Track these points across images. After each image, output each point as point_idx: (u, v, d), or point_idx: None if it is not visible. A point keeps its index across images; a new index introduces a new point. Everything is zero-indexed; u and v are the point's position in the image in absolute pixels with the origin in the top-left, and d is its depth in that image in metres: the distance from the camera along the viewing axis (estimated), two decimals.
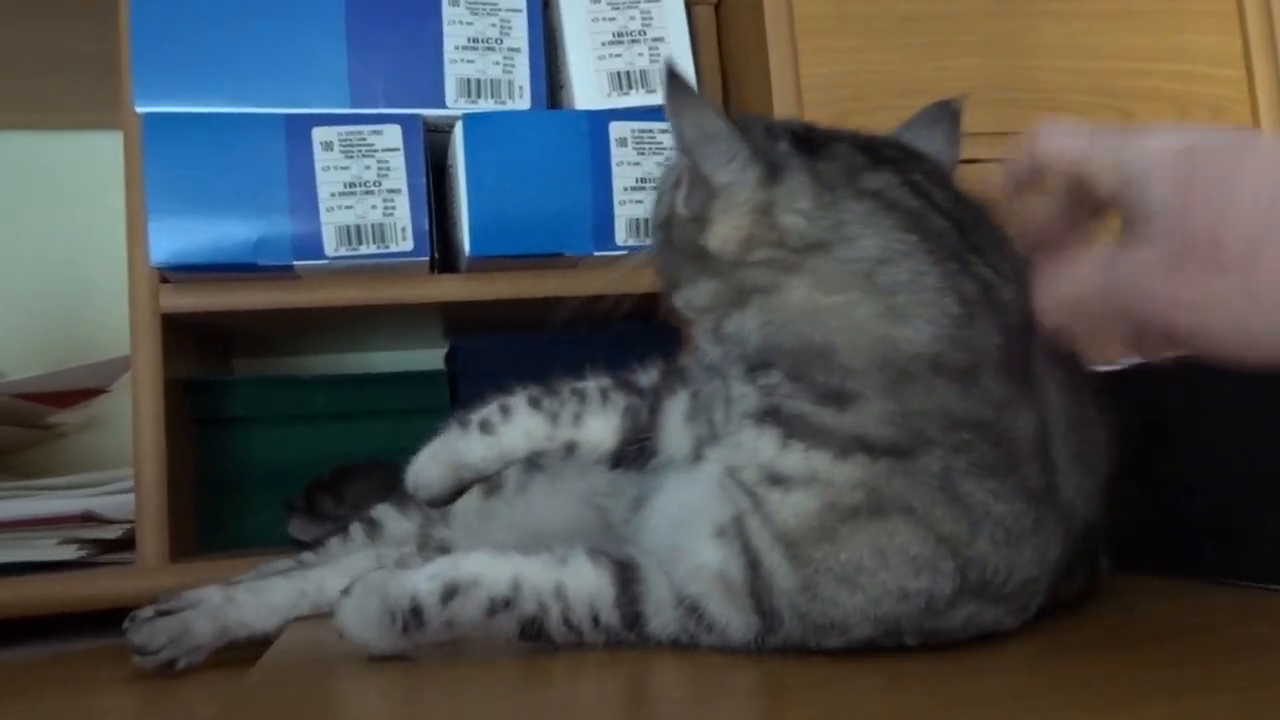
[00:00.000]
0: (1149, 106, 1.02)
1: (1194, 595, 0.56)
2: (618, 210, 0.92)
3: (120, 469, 1.01)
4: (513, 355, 1.09)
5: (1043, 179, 0.47)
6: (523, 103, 0.93)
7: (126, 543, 0.91)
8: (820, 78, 0.96)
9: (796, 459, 0.44)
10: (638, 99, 0.94)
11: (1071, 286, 0.43)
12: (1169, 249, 0.38)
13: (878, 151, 0.49)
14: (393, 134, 0.88)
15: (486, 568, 0.49)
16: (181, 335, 0.95)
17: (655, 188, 0.55)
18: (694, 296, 0.49)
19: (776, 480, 0.45)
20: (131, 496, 0.89)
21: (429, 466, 0.57)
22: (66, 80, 1.16)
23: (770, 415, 0.46)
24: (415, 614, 0.48)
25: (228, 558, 0.89)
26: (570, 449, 0.56)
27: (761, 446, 0.46)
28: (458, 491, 0.57)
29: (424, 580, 0.48)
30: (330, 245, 0.87)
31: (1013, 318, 0.44)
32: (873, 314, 0.43)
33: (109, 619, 0.89)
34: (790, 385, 0.45)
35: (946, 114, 0.58)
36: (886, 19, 0.97)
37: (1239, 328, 0.36)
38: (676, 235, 0.49)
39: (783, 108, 0.94)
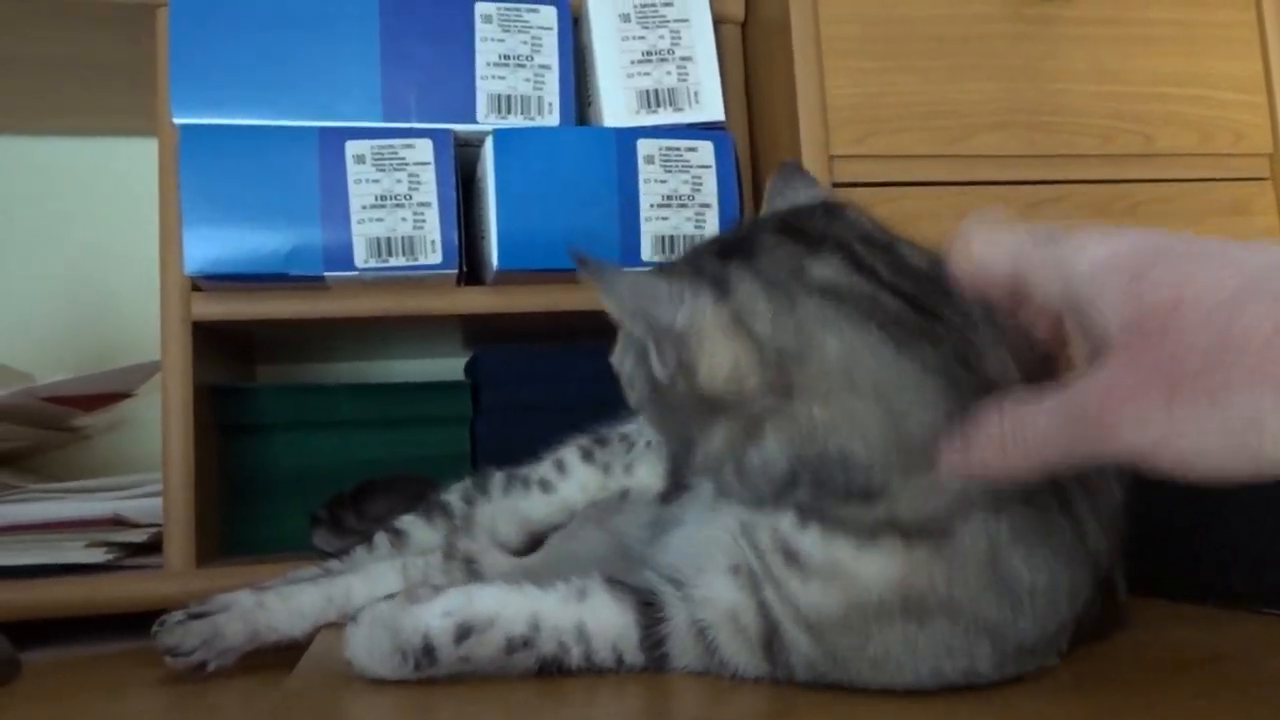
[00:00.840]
0: (1170, 131, 1.03)
1: (1225, 623, 0.57)
2: (644, 226, 0.93)
3: (145, 473, 1.02)
4: (533, 367, 1.10)
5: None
6: (552, 119, 0.94)
7: (153, 546, 0.92)
8: (846, 98, 0.97)
9: (812, 541, 0.43)
10: (665, 117, 0.95)
11: (1030, 434, 0.37)
12: (1129, 376, 0.34)
13: (805, 229, 0.47)
14: (424, 148, 0.90)
15: (503, 605, 0.48)
16: (208, 341, 0.96)
17: (623, 380, 0.53)
18: (709, 447, 0.46)
19: (791, 557, 0.44)
20: (158, 500, 0.91)
21: (504, 528, 0.61)
22: (102, 87, 1.17)
23: (794, 506, 0.45)
24: (427, 652, 0.47)
25: (253, 563, 0.90)
26: (624, 495, 0.59)
27: (781, 521, 0.45)
28: (535, 543, 0.60)
29: (437, 618, 0.48)
30: (360, 257, 0.88)
31: (993, 368, 0.42)
32: (874, 418, 0.42)
33: (135, 621, 0.90)
34: (814, 494, 0.44)
35: (794, 171, 0.56)
36: (913, 41, 0.98)
37: (1205, 450, 0.32)
38: (672, 399, 0.47)
39: (808, 127, 0.95)
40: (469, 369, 1.19)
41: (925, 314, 0.43)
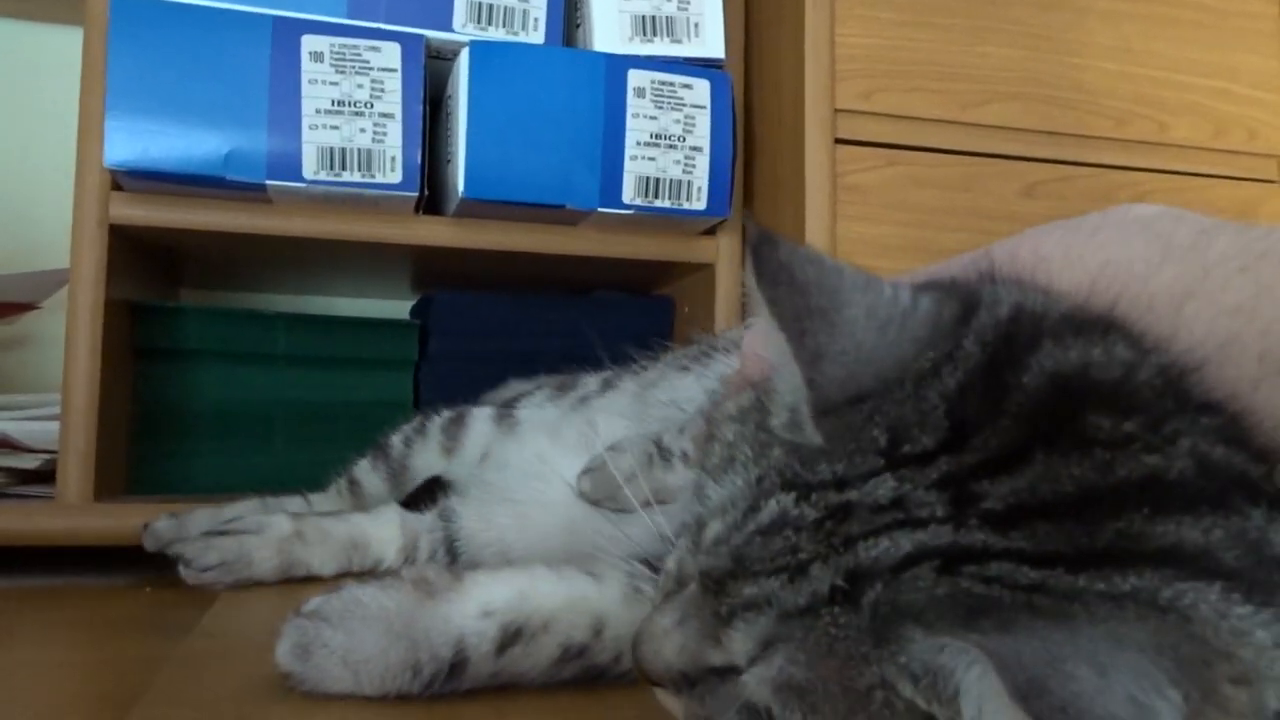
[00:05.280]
0: (1186, 121, 0.98)
1: None
2: (627, 165, 0.85)
3: (45, 393, 0.91)
4: (488, 313, 1.01)
5: None
6: (536, 35, 0.85)
7: (46, 475, 0.82)
8: (856, 48, 0.89)
9: None
10: (661, 48, 0.87)
11: None
12: None
13: None
14: (391, 52, 0.80)
15: (564, 604, 0.39)
16: (129, 252, 0.85)
17: None
18: None
19: None
20: (55, 425, 0.80)
21: None
22: None
23: None
24: (457, 666, 0.37)
25: (158, 502, 0.80)
26: None
27: None
28: None
29: (473, 619, 0.37)
30: (309, 167, 0.78)
31: None
32: None
33: (19, 556, 0.80)
34: None
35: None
36: None
37: None
38: None
39: (814, 76, 0.87)
40: (417, 310, 1.09)
41: None
